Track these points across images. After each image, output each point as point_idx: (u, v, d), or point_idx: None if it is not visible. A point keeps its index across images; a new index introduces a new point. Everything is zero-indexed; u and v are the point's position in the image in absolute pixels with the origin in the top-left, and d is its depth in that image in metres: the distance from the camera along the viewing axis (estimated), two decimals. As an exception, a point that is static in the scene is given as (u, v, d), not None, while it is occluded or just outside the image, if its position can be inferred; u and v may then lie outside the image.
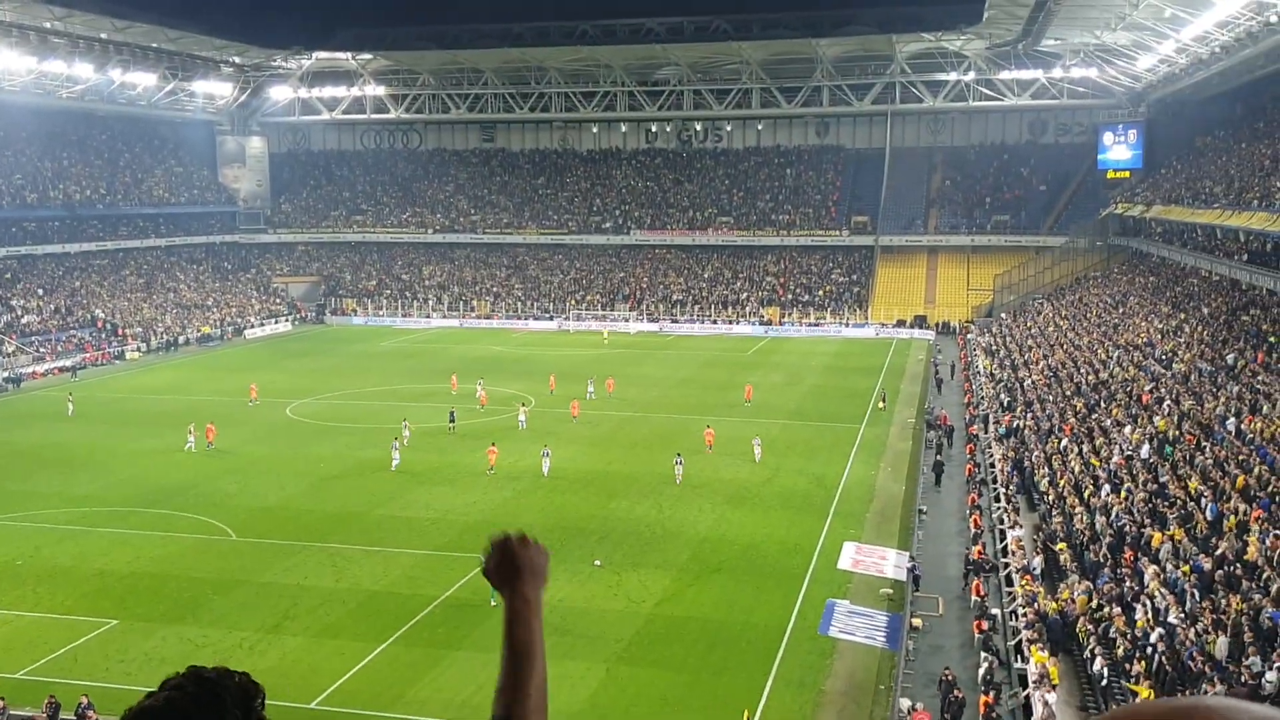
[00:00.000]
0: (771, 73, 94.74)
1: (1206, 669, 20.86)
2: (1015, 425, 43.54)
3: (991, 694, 22.66)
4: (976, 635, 25.90)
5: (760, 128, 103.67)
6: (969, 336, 74.91)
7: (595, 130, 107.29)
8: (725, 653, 25.86)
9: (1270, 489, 27.64)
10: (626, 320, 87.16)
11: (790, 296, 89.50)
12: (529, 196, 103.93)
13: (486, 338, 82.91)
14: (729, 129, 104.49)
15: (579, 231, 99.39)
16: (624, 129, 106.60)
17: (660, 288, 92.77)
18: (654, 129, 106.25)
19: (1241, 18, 52.90)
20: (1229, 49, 58.43)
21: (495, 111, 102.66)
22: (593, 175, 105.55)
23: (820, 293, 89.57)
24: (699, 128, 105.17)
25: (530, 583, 2.46)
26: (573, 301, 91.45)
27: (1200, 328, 48.14)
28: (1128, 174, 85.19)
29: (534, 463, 42.14)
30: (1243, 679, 20.25)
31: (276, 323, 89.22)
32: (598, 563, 31.63)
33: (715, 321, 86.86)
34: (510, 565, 2.47)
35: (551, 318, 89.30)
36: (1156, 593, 24.23)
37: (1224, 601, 23.07)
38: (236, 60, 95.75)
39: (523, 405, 51.62)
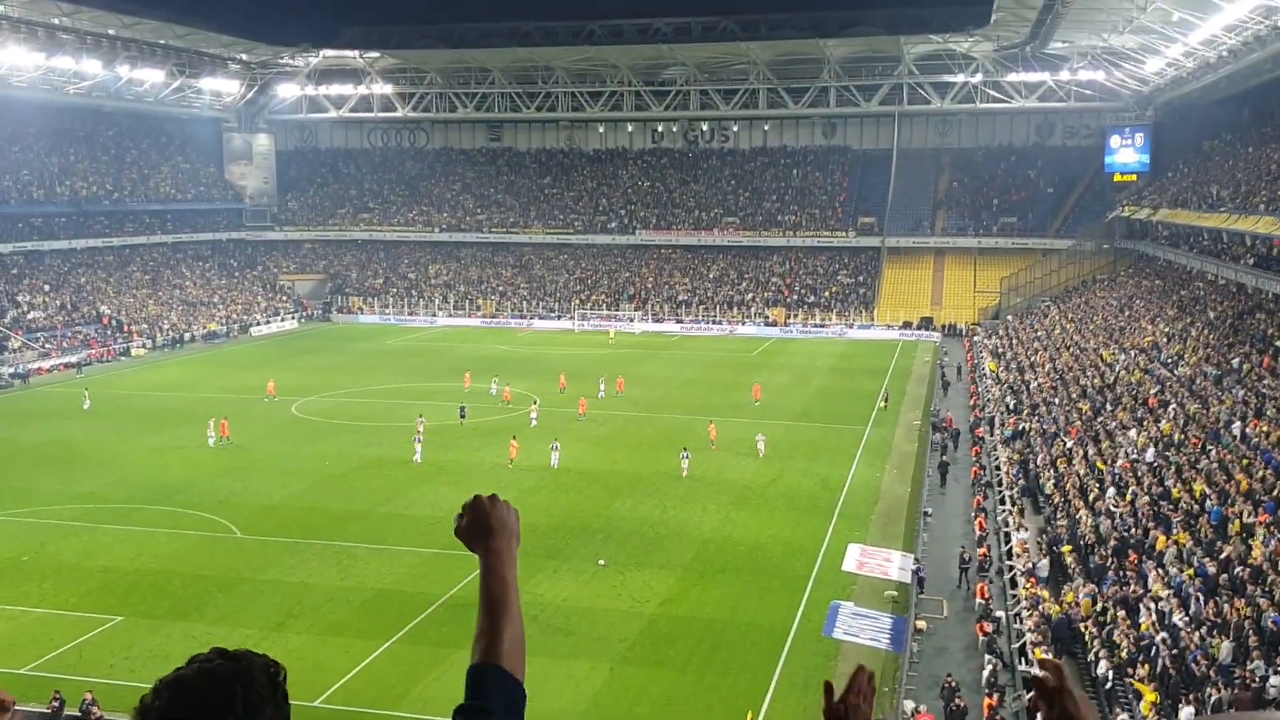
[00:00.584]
0: (778, 73, 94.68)
1: (1210, 673, 20.85)
2: (1022, 428, 43.51)
3: (995, 696, 22.67)
4: (980, 638, 25.90)
5: (767, 128, 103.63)
6: (975, 339, 74.86)
7: (602, 130, 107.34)
8: (729, 653, 25.87)
9: (1275, 492, 27.58)
10: (632, 320, 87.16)
11: (796, 297, 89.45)
12: (535, 196, 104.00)
13: (492, 336, 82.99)
14: (735, 129, 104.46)
15: (585, 231, 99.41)
16: (630, 129, 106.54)
17: (665, 288, 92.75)
18: (660, 129, 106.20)
19: (1249, 22, 52.73)
20: (1236, 53, 58.30)
21: (502, 111, 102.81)
22: (599, 175, 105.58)
23: (826, 294, 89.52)
24: (705, 128, 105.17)
25: (501, 537, 2.56)
26: (578, 301, 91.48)
27: (1206, 331, 48.05)
28: (1134, 177, 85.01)
29: (543, 460, 42.41)
30: (1246, 683, 20.23)
31: (283, 320, 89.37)
32: (601, 562, 31.65)
33: (720, 322, 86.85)
34: (482, 523, 2.58)
35: (558, 317, 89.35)
36: (1161, 596, 24.22)
37: (1228, 605, 23.05)
38: (244, 57, 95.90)
39: (534, 403, 51.76)
